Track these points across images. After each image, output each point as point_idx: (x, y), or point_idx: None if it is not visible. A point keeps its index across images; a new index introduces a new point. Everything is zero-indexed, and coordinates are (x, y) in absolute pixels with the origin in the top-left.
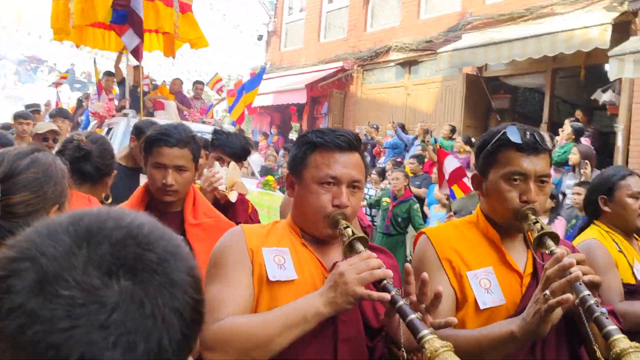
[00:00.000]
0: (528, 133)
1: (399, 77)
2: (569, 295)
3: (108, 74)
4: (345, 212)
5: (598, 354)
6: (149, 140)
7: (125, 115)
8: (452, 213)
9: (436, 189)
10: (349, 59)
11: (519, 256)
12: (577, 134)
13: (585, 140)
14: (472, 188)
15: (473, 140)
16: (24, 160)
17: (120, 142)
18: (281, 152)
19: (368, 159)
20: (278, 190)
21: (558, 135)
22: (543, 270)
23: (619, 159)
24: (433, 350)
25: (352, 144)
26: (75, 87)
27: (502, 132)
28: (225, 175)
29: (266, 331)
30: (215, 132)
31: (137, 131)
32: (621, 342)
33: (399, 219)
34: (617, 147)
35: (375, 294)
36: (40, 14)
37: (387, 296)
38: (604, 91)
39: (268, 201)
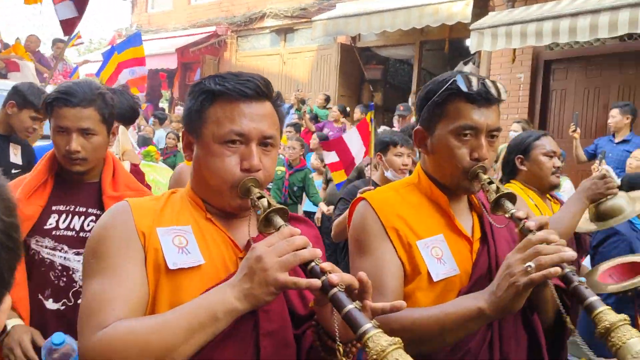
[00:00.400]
0: (479, 82)
1: (274, 45)
2: (558, 269)
3: None
4: (257, 176)
5: (569, 323)
6: (48, 101)
7: None
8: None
9: (313, 157)
10: (222, 24)
11: (465, 219)
12: None
13: None
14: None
15: (347, 109)
16: None
17: None
18: (151, 120)
19: (283, 107)
20: (161, 161)
21: None
22: (518, 238)
23: None
24: (380, 351)
25: (261, 90)
26: None
27: (452, 80)
28: (116, 142)
29: (166, 338)
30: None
31: (19, 96)
32: (608, 314)
33: (295, 188)
34: None
35: (303, 281)
36: None
37: (317, 283)
38: (465, 64)
39: (152, 174)
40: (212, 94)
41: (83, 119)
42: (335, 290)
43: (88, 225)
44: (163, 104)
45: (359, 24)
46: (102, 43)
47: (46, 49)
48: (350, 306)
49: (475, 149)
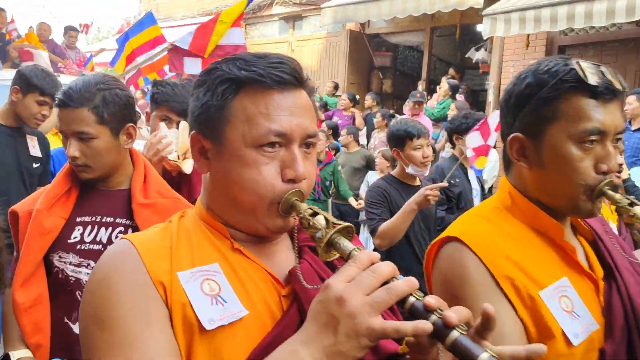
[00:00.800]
0: (599, 70)
1: (282, 32)
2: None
3: None
4: (301, 187)
5: None
6: (55, 103)
7: None
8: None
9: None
10: (210, 18)
11: (578, 252)
12: (453, 90)
13: (459, 97)
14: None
15: (357, 97)
16: None
17: None
18: None
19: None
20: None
21: (435, 92)
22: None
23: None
24: None
25: (299, 75)
26: None
27: (567, 70)
28: (175, 140)
29: None
30: (155, 83)
31: (22, 80)
32: None
33: (327, 183)
34: (488, 103)
35: (408, 325)
36: None
37: (427, 326)
38: (477, 50)
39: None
40: (236, 82)
41: (76, 121)
42: (456, 335)
43: (116, 237)
44: None
45: (369, 11)
46: (110, 32)
47: (55, 37)
48: (484, 355)
49: (602, 159)
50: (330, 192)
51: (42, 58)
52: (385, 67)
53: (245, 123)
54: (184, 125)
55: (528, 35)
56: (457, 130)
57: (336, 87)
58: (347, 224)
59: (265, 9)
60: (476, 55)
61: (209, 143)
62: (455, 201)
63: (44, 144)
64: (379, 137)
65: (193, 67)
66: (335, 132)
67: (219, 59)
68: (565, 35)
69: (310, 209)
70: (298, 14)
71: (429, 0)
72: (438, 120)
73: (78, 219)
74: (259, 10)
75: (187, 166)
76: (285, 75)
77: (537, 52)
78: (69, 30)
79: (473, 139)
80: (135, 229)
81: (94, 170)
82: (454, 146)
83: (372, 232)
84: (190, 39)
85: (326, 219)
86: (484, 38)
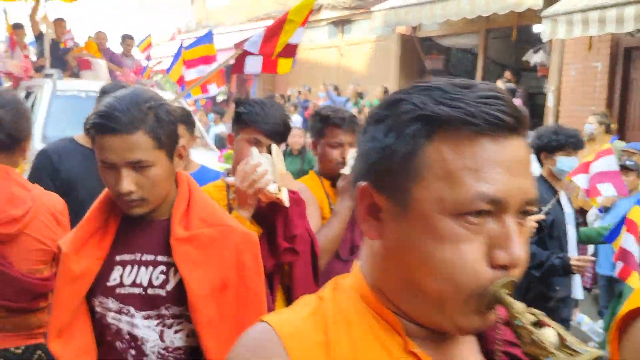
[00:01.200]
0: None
1: (331, 37)
2: None
3: (16, 26)
4: (514, 275)
5: None
6: (87, 128)
7: (48, 76)
8: None
9: None
10: (279, 18)
11: None
12: (510, 95)
13: (516, 102)
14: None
15: None
16: None
17: (46, 109)
18: (211, 116)
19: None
20: None
21: None
22: None
23: (549, 119)
24: None
25: (520, 116)
26: None
27: None
28: (270, 168)
29: None
30: (239, 102)
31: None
32: None
33: None
34: (547, 107)
35: None
36: None
37: None
38: (535, 52)
39: None
40: (434, 122)
41: (131, 149)
42: None
43: (157, 278)
44: (220, 98)
45: (421, 13)
46: (162, 39)
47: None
48: None
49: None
50: None
51: (100, 66)
52: (437, 71)
53: (445, 181)
54: (276, 150)
55: (590, 37)
56: (546, 148)
57: (386, 91)
58: (594, 353)
59: (314, 14)
60: (534, 57)
61: (386, 201)
62: (547, 230)
63: None
64: None
65: (254, 66)
66: None
67: (288, 57)
68: (631, 37)
69: (532, 313)
70: (347, 18)
71: (484, 2)
72: None
73: (118, 258)
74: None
75: (285, 197)
76: (505, 117)
77: (600, 54)
78: (126, 39)
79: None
80: (175, 270)
81: (149, 203)
82: (541, 165)
83: None
84: (260, 43)
85: (559, 336)
86: (544, 40)
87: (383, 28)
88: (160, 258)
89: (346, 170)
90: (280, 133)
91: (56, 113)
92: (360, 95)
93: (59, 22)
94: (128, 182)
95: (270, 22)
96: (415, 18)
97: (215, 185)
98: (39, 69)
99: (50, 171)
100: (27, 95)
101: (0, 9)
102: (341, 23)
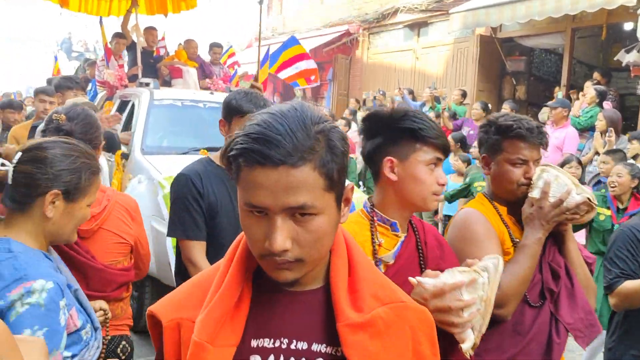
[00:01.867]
0: None
1: (407, 40)
2: None
3: (118, 35)
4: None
5: None
6: (228, 156)
7: (145, 85)
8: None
9: (452, 158)
10: (354, 22)
11: None
12: (601, 97)
13: (606, 105)
14: None
15: (489, 106)
16: None
17: (144, 119)
18: None
19: (415, 105)
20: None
21: (577, 99)
22: None
23: None
24: None
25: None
26: (73, 57)
27: None
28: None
29: None
30: (405, 114)
31: (228, 111)
32: None
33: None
34: None
35: None
36: None
37: None
38: (627, 52)
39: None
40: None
41: (294, 189)
42: None
43: None
44: None
45: (502, 14)
46: (240, 46)
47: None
48: None
49: None
50: None
51: (190, 75)
52: (519, 72)
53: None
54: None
55: None
56: None
57: (464, 94)
58: None
59: (390, 18)
60: (626, 57)
61: None
62: None
63: None
64: None
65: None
66: (463, 143)
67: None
68: None
69: None
70: (424, 21)
71: (570, 0)
72: (584, 130)
73: (254, 343)
74: (383, 19)
75: None
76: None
77: None
78: (214, 47)
79: None
80: None
81: (305, 265)
82: None
83: (608, 288)
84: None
85: None
86: (639, 39)
87: (461, 30)
88: (317, 347)
89: (536, 194)
90: (448, 151)
91: (155, 122)
92: (437, 100)
93: (150, 31)
94: (284, 237)
95: (344, 27)
96: (496, 19)
97: (357, 222)
98: (132, 77)
99: (196, 195)
100: (122, 105)
101: (97, 21)
102: (417, 26)
